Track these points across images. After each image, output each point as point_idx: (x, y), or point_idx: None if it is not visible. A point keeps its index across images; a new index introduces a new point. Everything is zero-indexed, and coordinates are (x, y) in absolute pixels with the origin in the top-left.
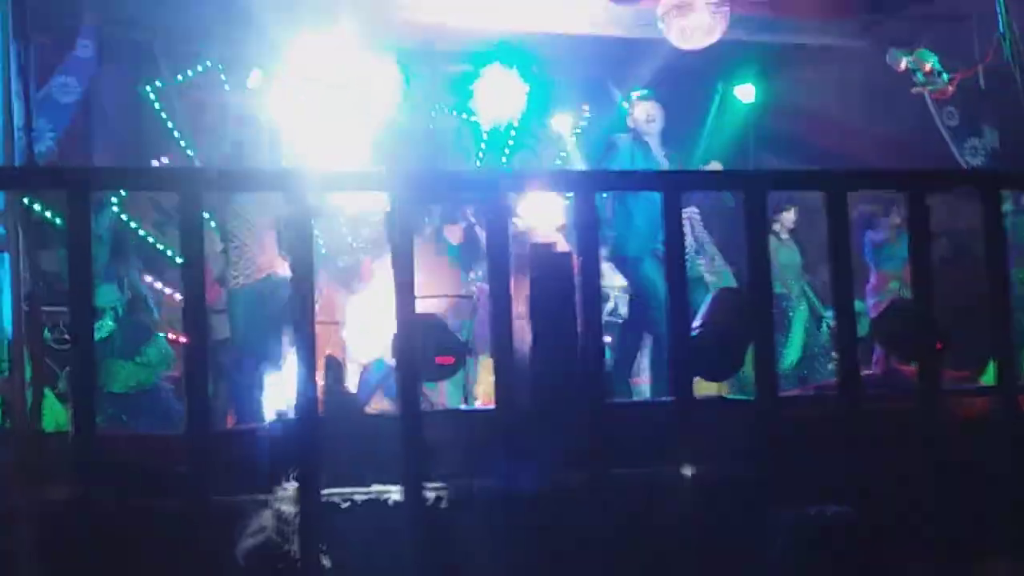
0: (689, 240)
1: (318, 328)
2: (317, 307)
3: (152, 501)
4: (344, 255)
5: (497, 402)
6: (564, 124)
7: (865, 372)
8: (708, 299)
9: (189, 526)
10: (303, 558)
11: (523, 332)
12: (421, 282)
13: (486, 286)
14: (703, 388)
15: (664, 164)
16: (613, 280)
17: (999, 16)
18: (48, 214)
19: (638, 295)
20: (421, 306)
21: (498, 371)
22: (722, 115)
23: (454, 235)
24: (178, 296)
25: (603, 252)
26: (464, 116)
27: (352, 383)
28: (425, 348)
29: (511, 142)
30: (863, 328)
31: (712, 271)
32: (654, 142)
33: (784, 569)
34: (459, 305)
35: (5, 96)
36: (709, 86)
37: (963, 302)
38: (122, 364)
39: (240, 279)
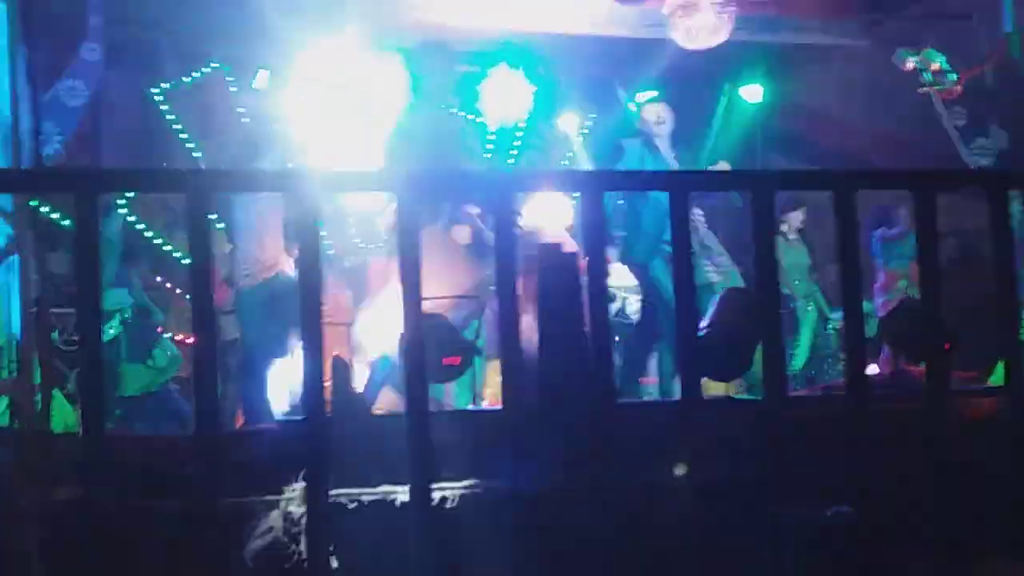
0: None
1: (325, 329)
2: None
3: (160, 502)
4: (351, 256)
5: (504, 403)
6: (571, 124)
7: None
8: (715, 299)
9: (197, 527)
10: (310, 559)
11: (530, 332)
12: (436, 273)
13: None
14: (711, 388)
15: (674, 166)
16: (622, 280)
17: (1005, 14)
18: (56, 216)
19: (648, 297)
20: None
21: (505, 372)
22: (729, 115)
23: (462, 235)
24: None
25: (613, 253)
26: (471, 116)
27: (360, 383)
28: (432, 349)
29: (517, 142)
30: (871, 329)
31: (719, 272)
32: (664, 144)
33: (788, 569)
34: (463, 303)
35: (13, 99)
36: (715, 86)
37: (971, 303)
38: (133, 368)
39: (248, 278)
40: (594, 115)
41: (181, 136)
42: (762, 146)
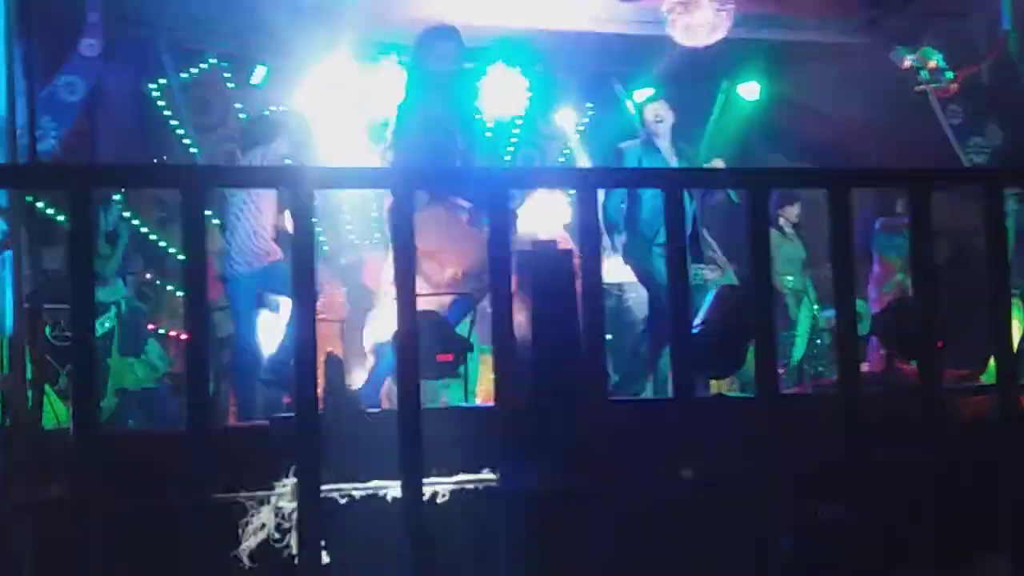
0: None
1: (319, 326)
2: (319, 304)
3: (153, 499)
4: (346, 252)
5: (497, 400)
6: (567, 121)
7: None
8: (709, 297)
9: (189, 523)
10: (302, 554)
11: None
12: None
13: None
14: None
15: (673, 162)
16: (621, 276)
17: (1003, 12)
18: (51, 212)
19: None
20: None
21: (498, 369)
22: (726, 112)
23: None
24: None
25: (615, 251)
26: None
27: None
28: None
29: (514, 139)
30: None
31: (713, 269)
32: (665, 142)
33: (784, 569)
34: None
35: (9, 94)
36: (713, 83)
37: (963, 301)
38: (131, 361)
39: (243, 265)
40: (592, 112)
41: (178, 132)
42: (759, 143)
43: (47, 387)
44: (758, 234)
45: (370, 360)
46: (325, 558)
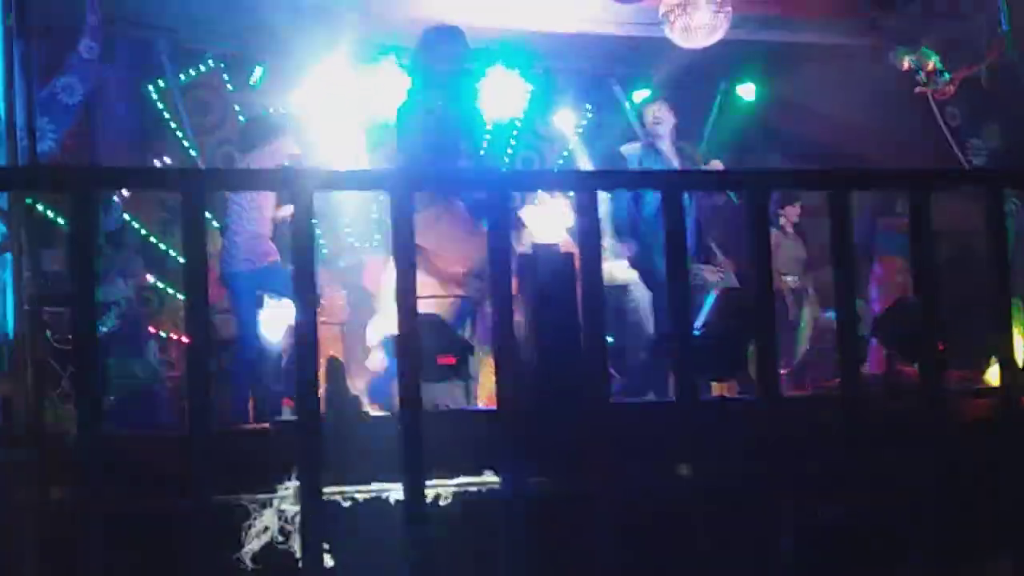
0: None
1: (320, 329)
2: (319, 308)
3: (155, 501)
4: (346, 255)
5: (499, 403)
6: (566, 122)
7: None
8: (710, 299)
9: (192, 526)
10: (304, 557)
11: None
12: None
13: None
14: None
15: (675, 163)
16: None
17: (1002, 13)
18: (51, 214)
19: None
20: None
21: (500, 371)
22: (725, 113)
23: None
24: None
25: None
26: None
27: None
28: (426, 348)
29: (513, 141)
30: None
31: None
32: (666, 144)
33: (785, 570)
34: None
35: (8, 96)
36: (712, 84)
37: (964, 303)
38: (134, 361)
39: (247, 262)
40: (591, 114)
41: (177, 133)
42: (758, 145)
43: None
44: (759, 236)
45: (374, 357)
46: (328, 561)
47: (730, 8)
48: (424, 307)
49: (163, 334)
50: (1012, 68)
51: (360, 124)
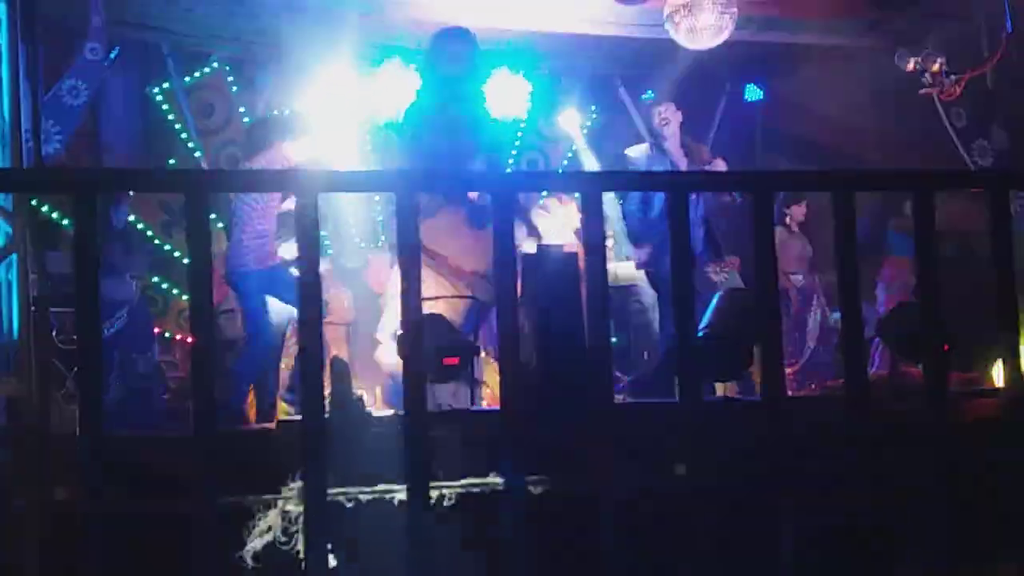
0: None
1: (325, 329)
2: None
3: (159, 502)
4: (352, 255)
5: (502, 403)
6: (572, 123)
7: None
8: (715, 299)
9: (196, 526)
10: (308, 558)
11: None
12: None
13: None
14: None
15: (682, 166)
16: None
17: (1007, 14)
18: (55, 216)
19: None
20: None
21: (503, 372)
22: (729, 114)
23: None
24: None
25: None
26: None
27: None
28: (432, 349)
29: (517, 142)
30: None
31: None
32: (673, 144)
33: (788, 571)
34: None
35: (13, 98)
36: (716, 86)
37: (970, 304)
38: (139, 360)
39: (253, 262)
40: (595, 115)
41: (181, 135)
42: (762, 146)
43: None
44: (763, 237)
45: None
46: (332, 561)
47: (735, 9)
48: (435, 310)
49: (167, 334)
50: (1017, 69)
51: (364, 125)
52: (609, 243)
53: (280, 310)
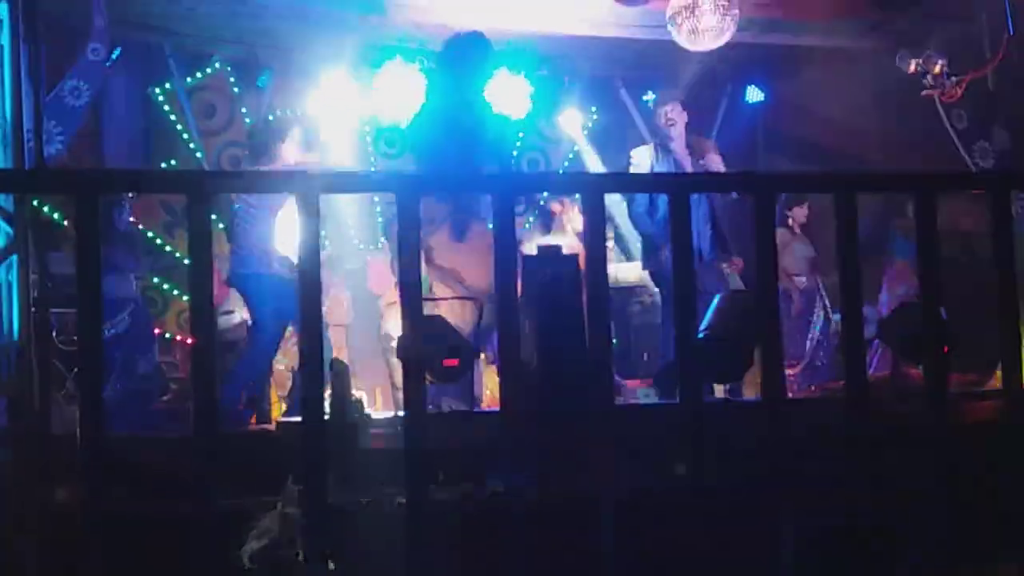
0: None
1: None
2: (324, 309)
3: (159, 503)
4: (352, 257)
5: (502, 405)
6: (572, 124)
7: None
8: (715, 301)
9: (195, 528)
10: (308, 561)
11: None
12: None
13: None
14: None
15: (686, 164)
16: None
17: (1008, 16)
18: (57, 216)
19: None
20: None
21: (504, 374)
22: (731, 116)
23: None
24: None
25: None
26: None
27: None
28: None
29: (518, 143)
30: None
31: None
32: (679, 145)
33: (790, 571)
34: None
35: (15, 99)
36: (718, 87)
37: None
38: (140, 360)
39: (265, 265)
40: (596, 116)
41: (183, 136)
42: (764, 147)
43: None
44: (764, 239)
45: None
46: (330, 565)
47: (737, 11)
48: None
49: (167, 335)
50: (1019, 71)
51: (367, 126)
52: (609, 244)
53: (280, 314)
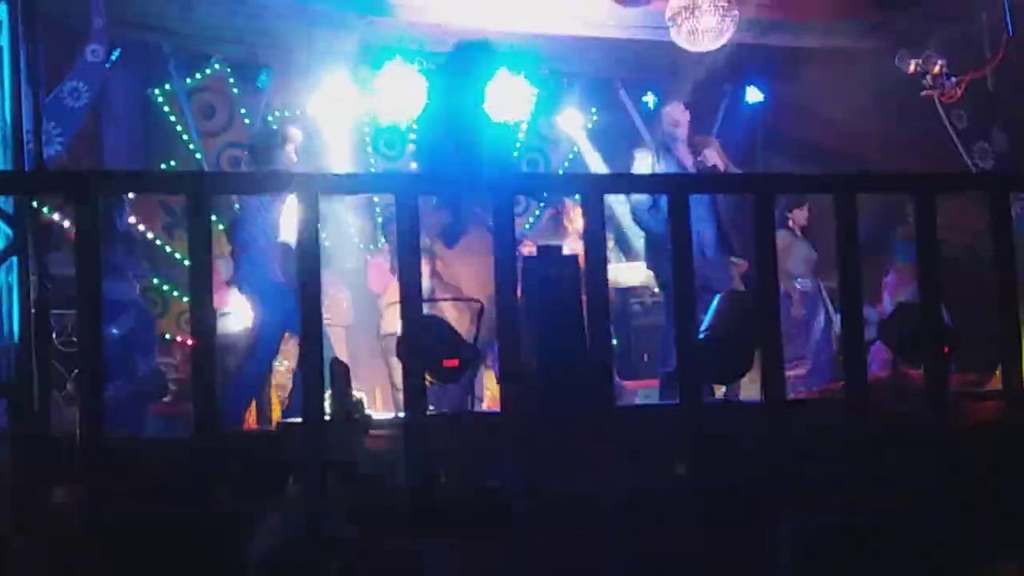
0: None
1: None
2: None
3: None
4: (351, 257)
5: (503, 405)
6: (572, 125)
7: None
8: (715, 301)
9: (196, 529)
10: (310, 560)
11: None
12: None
13: None
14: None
15: (688, 165)
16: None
17: (1007, 16)
18: (57, 217)
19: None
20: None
21: (504, 373)
22: (730, 117)
23: None
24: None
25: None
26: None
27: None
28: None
29: (519, 144)
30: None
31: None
32: (683, 145)
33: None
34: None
35: (15, 100)
36: (717, 88)
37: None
38: (141, 361)
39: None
40: (595, 117)
41: (183, 137)
42: (763, 148)
43: None
44: (764, 240)
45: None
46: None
47: (736, 12)
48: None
49: (167, 336)
50: (1018, 71)
51: (366, 126)
52: (609, 244)
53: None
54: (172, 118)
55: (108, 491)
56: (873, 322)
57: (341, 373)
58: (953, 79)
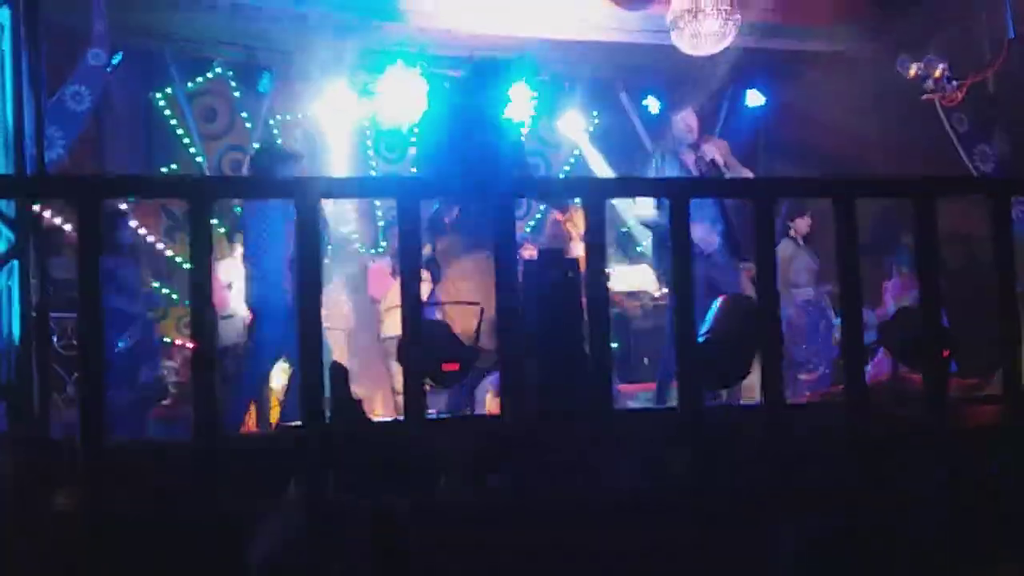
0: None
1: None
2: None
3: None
4: (351, 262)
5: (503, 409)
6: (574, 128)
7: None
8: (715, 306)
9: (197, 532)
10: (310, 564)
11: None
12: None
13: None
14: None
15: (693, 169)
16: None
17: (1008, 20)
18: (58, 221)
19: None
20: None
21: (504, 376)
22: (732, 120)
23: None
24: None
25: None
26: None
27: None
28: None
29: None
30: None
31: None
32: (690, 152)
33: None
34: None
35: (16, 104)
36: (718, 91)
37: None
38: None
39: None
40: (596, 119)
41: (184, 141)
42: (764, 151)
43: None
44: (764, 244)
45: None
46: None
47: (738, 16)
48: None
49: (167, 340)
50: (1019, 75)
51: (367, 130)
52: (609, 249)
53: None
54: (173, 121)
55: (109, 494)
56: (872, 325)
57: (341, 377)
58: (954, 82)
